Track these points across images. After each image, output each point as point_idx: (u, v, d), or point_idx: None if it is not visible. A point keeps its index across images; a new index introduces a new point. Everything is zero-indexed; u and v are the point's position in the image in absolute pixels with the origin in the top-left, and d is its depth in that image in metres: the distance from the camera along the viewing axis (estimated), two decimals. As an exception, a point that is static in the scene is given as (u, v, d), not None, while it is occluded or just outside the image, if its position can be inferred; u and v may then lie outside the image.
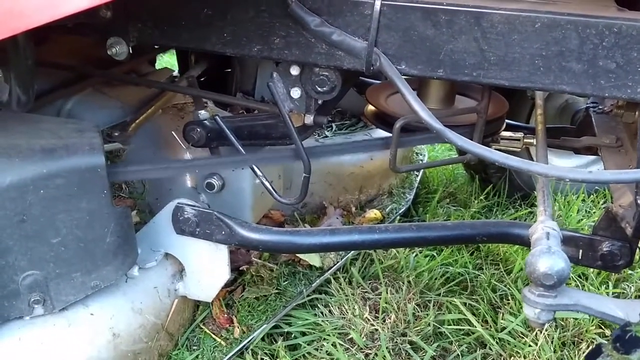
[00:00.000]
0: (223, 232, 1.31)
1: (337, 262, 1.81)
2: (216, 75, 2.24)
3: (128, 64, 1.84)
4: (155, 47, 1.85)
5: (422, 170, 2.47)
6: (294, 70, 1.26)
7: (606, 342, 0.85)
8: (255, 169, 1.39)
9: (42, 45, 1.60)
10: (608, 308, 0.90)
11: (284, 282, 1.73)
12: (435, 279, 1.85)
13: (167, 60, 3.06)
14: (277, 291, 1.70)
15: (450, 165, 2.65)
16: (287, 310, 1.63)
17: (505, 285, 1.84)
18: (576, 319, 1.69)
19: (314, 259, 1.79)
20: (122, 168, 1.30)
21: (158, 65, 2.25)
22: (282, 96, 1.29)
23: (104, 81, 1.80)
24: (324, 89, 1.24)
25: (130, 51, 1.25)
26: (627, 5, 1.08)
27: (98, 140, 1.18)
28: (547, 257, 0.92)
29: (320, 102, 1.32)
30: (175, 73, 2.16)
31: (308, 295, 1.71)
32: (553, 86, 1.06)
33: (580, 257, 1.32)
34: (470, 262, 1.93)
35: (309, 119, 1.35)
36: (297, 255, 1.80)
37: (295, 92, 1.28)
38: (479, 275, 1.88)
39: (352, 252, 1.84)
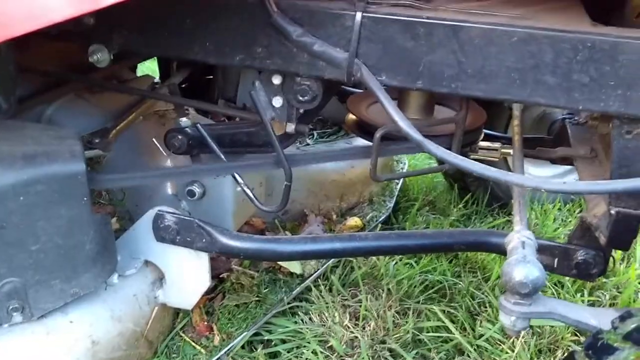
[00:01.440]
0: (204, 240, 1.32)
1: (318, 269, 1.82)
2: (198, 81, 2.24)
3: (109, 70, 1.83)
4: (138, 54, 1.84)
5: (402, 178, 2.50)
6: (276, 80, 1.27)
7: (579, 349, 0.87)
8: (237, 176, 1.40)
9: (23, 51, 1.59)
10: (581, 316, 0.92)
11: (264, 289, 1.74)
12: (415, 286, 1.87)
13: (149, 67, 3.05)
14: (257, 299, 1.70)
15: (430, 174, 2.68)
16: (267, 317, 1.63)
17: (483, 293, 1.86)
18: (552, 326, 1.72)
19: (294, 266, 1.80)
20: (103, 175, 1.30)
21: (140, 72, 2.25)
22: (263, 105, 1.30)
23: (85, 87, 1.80)
24: (306, 98, 1.25)
25: (112, 58, 1.25)
26: (601, 20, 1.11)
27: (79, 147, 1.17)
28: (523, 266, 0.94)
29: (301, 111, 1.33)
30: (157, 79, 2.16)
31: (288, 303, 1.71)
32: (529, 98, 1.08)
33: (555, 266, 1.35)
34: (449, 270, 1.96)
35: (291, 128, 1.37)
36: (278, 262, 1.81)
37: (277, 101, 1.30)
38: (458, 282, 1.91)
39: (333, 259, 1.85)
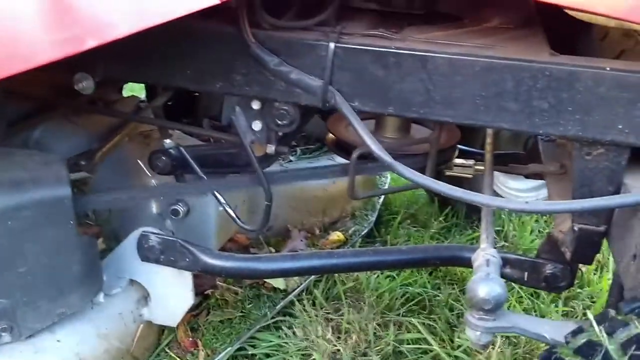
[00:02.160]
0: (187, 259, 1.36)
1: (301, 284, 1.87)
2: (184, 100, 2.29)
3: (95, 91, 1.88)
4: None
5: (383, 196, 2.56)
6: (255, 105, 1.32)
7: None
8: (218, 196, 1.45)
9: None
10: (541, 330, 0.98)
11: (248, 305, 1.78)
12: (396, 299, 1.93)
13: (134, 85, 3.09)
14: (241, 314, 1.75)
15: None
16: (251, 332, 1.68)
17: (461, 305, 1.92)
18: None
19: (277, 282, 1.85)
20: (88, 198, 1.34)
21: (126, 90, 2.29)
22: (243, 128, 1.35)
23: (71, 109, 1.84)
24: (284, 122, 1.30)
25: (96, 86, 1.30)
26: (569, 44, 1.18)
27: (64, 172, 1.22)
28: (486, 283, 0.99)
29: (280, 134, 1.38)
30: (144, 98, 2.20)
31: (272, 318, 1.76)
32: (493, 123, 1.14)
33: (525, 279, 1.41)
34: (429, 282, 2.01)
35: (271, 149, 1.42)
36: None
37: (257, 125, 1.35)
38: (437, 295, 1.96)
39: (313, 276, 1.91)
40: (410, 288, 1.97)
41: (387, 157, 1.14)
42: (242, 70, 1.21)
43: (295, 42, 1.17)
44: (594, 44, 1.49)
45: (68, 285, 1.24)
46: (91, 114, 1.85)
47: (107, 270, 1.41)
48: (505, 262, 1.46)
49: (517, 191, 2.51)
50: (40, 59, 0.75)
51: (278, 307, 1.76)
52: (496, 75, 1.10)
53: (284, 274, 1.54)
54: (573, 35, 1.42)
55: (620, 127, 1.08)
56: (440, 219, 2.46)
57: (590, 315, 0.87)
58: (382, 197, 2.50)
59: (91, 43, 0.80)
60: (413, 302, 1.92)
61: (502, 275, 1.45)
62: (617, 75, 1.05)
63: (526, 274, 1.41)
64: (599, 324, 0.84)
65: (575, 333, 0.84)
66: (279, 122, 1.31)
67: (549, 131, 1.12)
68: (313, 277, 1.91)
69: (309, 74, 1.18)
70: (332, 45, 1.15)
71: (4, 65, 0.75)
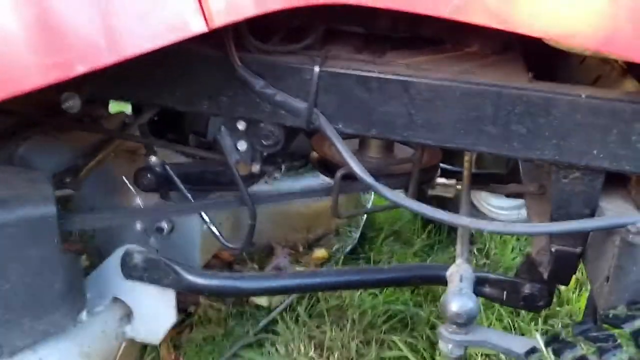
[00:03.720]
0: (170, 277, 1.37)
1: (284, 301, 1.88)
2: (169, 116, 2.29)
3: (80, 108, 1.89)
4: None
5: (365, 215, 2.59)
6: (241, 125, 1.34)
7: None
8: (204, 215, 1.46)
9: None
10: (511, 345, 1.01)
11: (231, 322, 1.79)
12: (378, 316, 1.95)
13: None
14: (224, 331, 1.75)
15: (395, 205, 2.77)
16: (234, 350, 1.68)
17: (442, 322, 1.93)
18: (507, 354, 1.80)
19: (261, 299, 1.86)
20: (74, 217, 1.34)
21: (112, 106, 2.29)
22: (229, 148, 1.37)
23: (55, 127, 1.84)
24: (269, 142, 1.32)
25: (83, 105, 1.31)
26: (543, 73, 1.21)
27: (49, 190, 1.22)
28: (459, 298, 1.03)
29: (265, 154, 1.40)
30: (129, 112, 2.21)
31: (255, 335, 1.77)
32: (473, 147, 1.17)
33: (504, 298, 1.44)
34: (411, 300, 2.04)
35: (256, 168, 1.44)
36: (245, 295, 1.86)
37: (242, 145, 1.37)
38: (419, 312, 1.98)
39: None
40: (392, 305, 1.99)
41: (368, 179, 1.16)
42: (228, 93, 1.23)
43: (280, 65, 1.19)
44: (573, 68, 1.53)
45: (51, 304, 1.24)
46: (76, 130, 1.86)
47: (90, 288, 1.40)
48: (485, 281, 1.49)
49: (499, 209, 2.54)
50: (30, 84, 0.77)
51: (261, 324, 1.77)
52: (476, 100, 1.13)
53: (268, 292, 1.55)
54: (552, 60, 1.46)
55: (595, 152, 1.11)
56: (423, 236, 2.49)
57: (538, 337, 0.90)
58: (366, 215, 2.52)
59: (80, 69, 0.81)
60: (395, 319, 1.94)
61: (482, 294, 1.49)
62: (592, 103, 1.09)
63: (505, 293, 1.43)
64: (549, 344, 0.87)
65: (528, 353, 0.87)
66: (264, 142, 1.32)
67: (526, 155, 1.15)
68: (296, 295, 1.92)
69: (294, 97, 1.20)
70: (316, 68, 1.17)
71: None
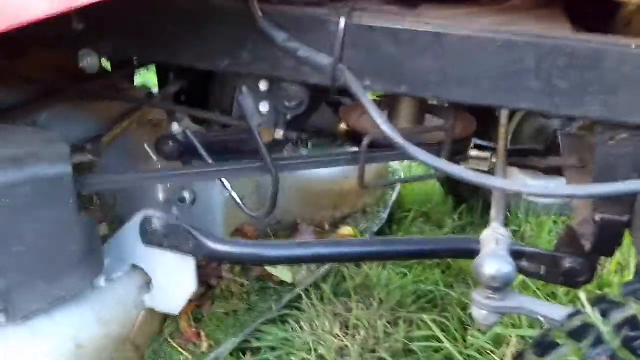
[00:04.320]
0: (190, 244, 1.32)
1: (309, 278, 1.82)
2: (195, 93, 2.26)
3: (105, 79, 1.86)
4: (130, 61, 1.87)
5: (397, 189, 2.50)
6: (263, 86, 1.28)
7: (529, 347, 0.88)
8: (225, 182, 1.41)
9: (18, 59, 1.61)
10: (549, 312, 0.93)
11: (254, 297, 1.74)
12: (407, 296, 1.87)
13: (147, 78, 3.08)
14: (247, 306, 1.70)
15: (426, 186, 2.68)
16: (256, 325, 1.63)
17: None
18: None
19: (285, 275, 1.80)
20: (90, 178, 1.30)
21: (138, 83, 2.27)
22: (250, 110, 1.31)
23: (80, 95, 1.81)
24: (292, 104, 1.26)
25: (100, 64, 1.27)
26: (587, 27, 1.12)
27: (65, 149, 1.19)
28: (494, 260, 0.95)
29: (289, 117, 1.34)
30: (155, 91, 2.18)
31: (278, 311, 1.71)
32: (512, 104, 1.09)
33: (543, 273, 1.35)
34: (441, 280, 1.95)
35: (279, 134, 1.38)
36: (269, 270, 1.81)
37: (264, 107, 1.31)
38: (450, 293, 1.90)
39: (324, 268, 1.86)
40: (422, 285, 1.91)
41: (398, 138, 1.08)
42: (249, 47, 1.17)
43: (304, 17, 1.12)
44: (618, 28, 1.43)
45: (66, 267, 1.20)
46: (100, 101, 1.83)
47: (109, 255, 1.37)
48: (522, 255, 1.40)
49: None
50: (29, 15, 0.72)
51: (285, 300, 1.71)
52: (516, 52, 1.04)
53: (290, 261, 1.49)
54: (596, 19, 1.36)
55: (647, 108, 1.02)
56: (455, 217, 2.39)
57: (583, 297, 0.82)
58: (395, 194, 2.44)
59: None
60: (425, 299, 1.86)
61: (519, 269, 1.40)
62: (643, 54, 1.00)
63: (544, 268, 1.35)
64: (595, 306, 0.79)
65: (571, 316, 0.79)
66: (287, 103, 1.26)
67: (570, 112, 1.06)
68: (322, 271, 1.86)
69: (318, 51, 1.13)
70: (342, 21, 1.10)
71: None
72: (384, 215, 2.30)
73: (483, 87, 1.08)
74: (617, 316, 0.72)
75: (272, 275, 1.81)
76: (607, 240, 1.20)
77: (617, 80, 1.01)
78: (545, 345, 0.75)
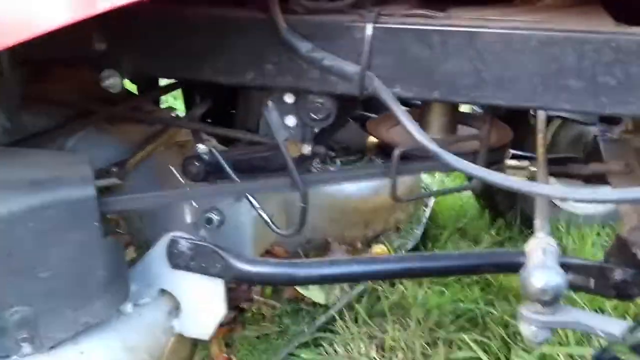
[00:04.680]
0: (218, 265, 1.27)
1: (342, 298, 1.76)
2: (221, 114, 2.24)
3: (131, 102, 1.85)
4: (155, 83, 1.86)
5: (430, 205, 2.43)
6: (289, 98, 1.24)
7: None
8: (252, 200, 1.36)
9: (45, 82, 1.61)
10: (607, 326, 0.85)
11: (286, 320, 1.68)
12: (445, 315, 1.78)
13: (173, 102, 3.09)
14: (279, 329, 1.64)
15: (460, 200, 2.60)
16: (290, 349, 1.57)
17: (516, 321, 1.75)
18: (594, 355, 1.60)
19: (317, 296, 1.74)
20: (113, 198, 1.27)
21: (164, 104, 2.26)
22: (276, 125, 1.27)
23: (106, 119, 1.81)
24: (319, 116, 1.22)
25: (123, 84, 1.25)
26: (625, 20, 1.06)
27: (89, 171, 1.16)
28: (542, 272, 0.88)
29: (316, 130, 1.29)
30: (181, 113, 2.16)
31: (312, 334, 1.65)
32: (553, 105, 1.02)
33: (592, 286, 1.26)
34: (481, 298, 1.86)
35: (307, 149, 1.33)
36: (301, 292, 1.75)
37: (290, 120, 1.26)
38: (491, 311, 1.81)
39: (358, 288, 1.79)
40: (461, 304, 1.83)
41: (432, 145, 1.03)
42: (273, 59, 1.13)
43: (328, 24, 1.08)
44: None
45: (93, 292, 1.16)
46: (126, 124, 1.82)
47: (136, 279, 1.33)
48: (568, 267, 1.31)
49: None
50: (49, 24, 0.69)
51: (318, 322, 1.64)
52: (555, 49, 0.98)
53: (323, 280, 1.43)
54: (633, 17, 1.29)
55: (703, 102, 0.94)
56: (492, 232, 2.30)
57: None
58: (429, 210, 2.37)
59: (103, 5, 0.72)
60: (464, 318, 1.77)
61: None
62: (696, 44, 0.92)
63: (593, 280, 1.26)
64: None
65: (633, 329, 0.71)
66: (314, 116, 1.22)
67: (617, 110, 0.99)
68: (355, 291, 1.79)
69: (344, 59, 1.09)
70: (369, 26, 1.06)
71: (13, 32, 0.68)
72: (418, 232, 2.23)
73: (521, 89, 1.02)
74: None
75: (304, 297, 1.74)
76: (663, 248, 1.12)
77: (667, 74, 0.94)
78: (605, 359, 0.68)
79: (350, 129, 2.02)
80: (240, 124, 2.33)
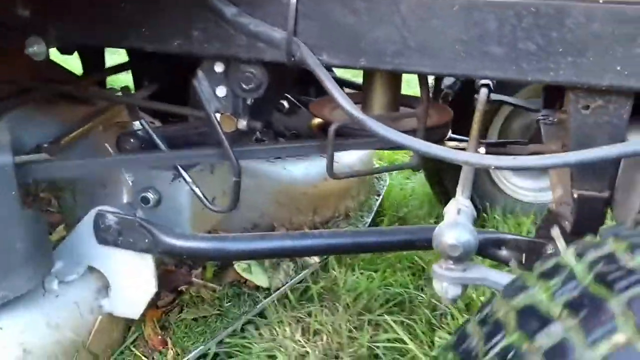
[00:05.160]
0: (146, 240, 1.24)
1: (286, 283, 1.73)
2: (171, 95, 2.19)
3: (74, 83, 1.80)
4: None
5: (382, 194, 2.43)
6: (218, 67, 1.22)
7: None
8: (185, 174, 1.34)
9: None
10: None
11: (227, 303, 1.64)
12: (374, 299, 1.75)
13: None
14: (218, 312, 1.60)
15: (404, 192, 2.60)
16: (229, 332, 1.53)
17: (445, 305, 1.73)
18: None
19: (260, 280, 1.71)
20: (33, 166, 1.23)
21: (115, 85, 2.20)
22: (207, 95, 1.25)
23: (47, 98, 1.76)
24: (250, 86, 1.20)
25: (47, 52, 1.21)
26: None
27: (6, 141, 1.12)
28: (453, 229, 0.88)
29: (249, 102, 1.27)
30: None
31: (252, 317, 1.61)
32: (476, 72, 1.02)
33: (523, 261, 1.27)
34: (411, 282, 1.84)
35: (242, 124, 1.31)
36: (243, 275, 1.72)
37: (221, 91, 1.24)
38: (419, 295, 1.78)
39: (305, 272, 1.76)
40: (390, 288, 1.80)
41: (357, 113, 1.02)
42: (200, 25, 1.11)
43: (254, -13, 1.07)
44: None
45: (10, 265, 1.12)
46: (66, 104, 1.77)
47: (63, 256, 1.29)
48: (501, 243, 1.32)
49: (523, 189, 2.37)
50: None
51: (259, 306, 1.61)
52: (477, 15, 0.98)
53: (254, 255, 1.41)
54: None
55: (618, 68, 0.95)
56: (431, 221, 2.30)
57: (560, 240, 0.73)
58: (380, 199, 2.36)
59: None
60: (393, 302, 1.74)
61: (497, 258, 1.32)
62: (612, 9, 0.93)
63: (524, 255, 1.27)
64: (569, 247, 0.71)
65: (545, 259, 0.71)
66: (245, 86, 1.20)
67: (538, 77, 0.99)
68: (302, 275, 1.76)
69: (271, 25, 1.07)
70: (294, -11, 1.04)
71: None
72: (368, 220, 2.21)
73: (445, 56, 1.02)
74: (592, 254, 0.64)
75: (247, 280, 1.71)
76: (589, 218, 1.13)
77: (585, 39, 0.95)
78: (514, 288, 0.68)
79: (300, 115, 2.00)
80: (193, 106, 2.29)
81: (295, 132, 2.34)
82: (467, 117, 1.56)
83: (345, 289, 1.75)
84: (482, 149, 1.57)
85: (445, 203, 2.38)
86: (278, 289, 1.70)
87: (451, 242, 0.86)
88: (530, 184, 2.37)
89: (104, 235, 1.27)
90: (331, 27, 1.05)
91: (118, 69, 2.02)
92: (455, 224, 0.89)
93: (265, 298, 1.67)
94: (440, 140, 1.58)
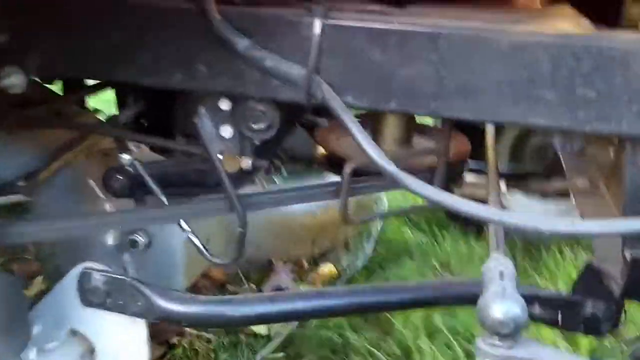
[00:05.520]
0: (139, 303, 1.09)
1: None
2: (156, 117, 2.05)
3: (52, 105, 1.64)
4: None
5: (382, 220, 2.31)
6: (224, 105, 1.08)
7: None
8: (182, 223, 1.19)
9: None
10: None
11: (222, 355, 1.49)
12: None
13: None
14: (214, 366, 1.46)
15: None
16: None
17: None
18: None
19: (258, 327, 1.57)
20: (8, 227, 1.06)
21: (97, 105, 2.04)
22: (210, 135, 1.11)
23: (19, 124, 1.59)
24: (260, 126, 1.06)
25: (26, 84, 1.05)
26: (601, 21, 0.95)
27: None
28: (501, 301, 0.78)
29: (257, 142, 1.13)
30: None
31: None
32: (524, 119, 0.90)
33: (559, 321, 1.15)
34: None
35: (247, 163, 1.17)
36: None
37: (226, 131, 1.10)
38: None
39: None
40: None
41: (386, 164, 0.88)
42: (205, 58, 0.97)
43: (270, 19, 0.93)
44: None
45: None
46: (43, 129, 1.60)
47: (41, 318, 1.13)
48: (534, 299, 1.20)
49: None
50: None
51: (258, 356, 1.47)
52: (528, 55, 0.85)
53: (261, 320, 1.26)
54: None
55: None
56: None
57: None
58: (381, 225, 2.24)
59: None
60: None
61: (531, 317, 1.20)
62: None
63: (560, 314, 1.15)
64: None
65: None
66: (254, 126, 1.06)
67: (596, 128, 0.87)
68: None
69: (288, 61, 0.93)
70: (317, 22, 0.90)
71: None
72: (369, 249, 2.09)
73: (488, 99, 0.89)
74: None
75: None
76: (642, 281, 1.01)
77: (653, 86, 0.83)
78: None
79: (297, 136, 1.86)
80: (179, 130, 2.13)
81: (291, 153, 2.21)
82: (476, 138, 1.45)
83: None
84: (502, 184, 1.46)
85: (452, 217, 2.26)
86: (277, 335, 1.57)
87: (499, 318, 0.76)
88: (541, 206, 2.27)
89: (90, 297, 1.11)
90: (358, 65, 0.92)
91: (100, 86, 1.87)
92: (502, 295, 0.78)
93: (264, 347, 1.53)
94: (458, 176, 1.47)
